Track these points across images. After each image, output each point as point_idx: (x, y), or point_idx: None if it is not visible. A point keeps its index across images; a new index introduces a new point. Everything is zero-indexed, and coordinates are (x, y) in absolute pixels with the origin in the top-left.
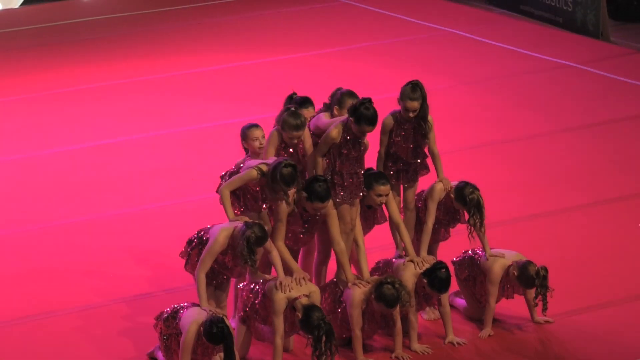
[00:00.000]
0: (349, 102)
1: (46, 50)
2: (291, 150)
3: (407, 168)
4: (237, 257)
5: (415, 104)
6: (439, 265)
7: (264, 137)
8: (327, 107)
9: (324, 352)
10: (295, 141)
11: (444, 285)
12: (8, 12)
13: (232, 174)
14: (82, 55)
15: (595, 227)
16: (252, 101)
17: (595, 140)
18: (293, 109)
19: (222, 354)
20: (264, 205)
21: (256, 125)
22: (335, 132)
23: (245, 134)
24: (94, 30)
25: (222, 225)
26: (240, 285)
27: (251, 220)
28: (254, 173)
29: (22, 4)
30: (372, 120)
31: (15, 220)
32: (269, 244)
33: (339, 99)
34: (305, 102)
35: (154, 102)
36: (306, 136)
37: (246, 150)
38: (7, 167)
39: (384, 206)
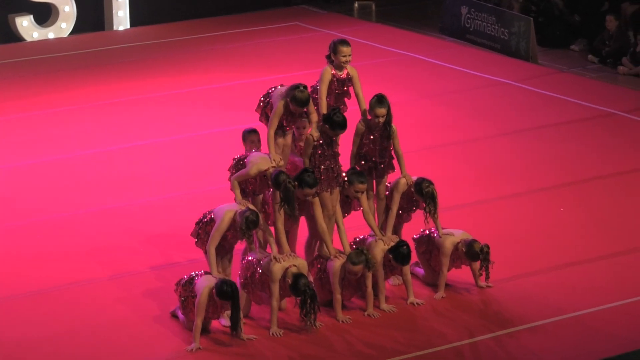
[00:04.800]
0: (339, 47)
1: (89, 71)
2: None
3: (375, 166)
4: (237, 233)
5: (383, 110)
6: (401, 244)
7: (259, 140)
8: (328, 58)
9: (309, 311)
10: (301, 113)
11: (405, 259)
12: (59, 40)
13: (235, 166)
14: (117, 74)
15: (527, 211)
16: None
17: (527, 141)
18: (302, 87)
19: (229, 312)
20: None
21: (254, 131)
22: (315, 135)
23: (245, 136)
24: (127, 54)
25: (227, 208)
26: (243, 259)
27: (247, 208)
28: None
29: (70, 33)
30: (342, 125)
31: (60, 207)
32: (264, 226)
33: (333, 48)
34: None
35: (173, 112)
36: (311, 109)
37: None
38: (58, 164)
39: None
